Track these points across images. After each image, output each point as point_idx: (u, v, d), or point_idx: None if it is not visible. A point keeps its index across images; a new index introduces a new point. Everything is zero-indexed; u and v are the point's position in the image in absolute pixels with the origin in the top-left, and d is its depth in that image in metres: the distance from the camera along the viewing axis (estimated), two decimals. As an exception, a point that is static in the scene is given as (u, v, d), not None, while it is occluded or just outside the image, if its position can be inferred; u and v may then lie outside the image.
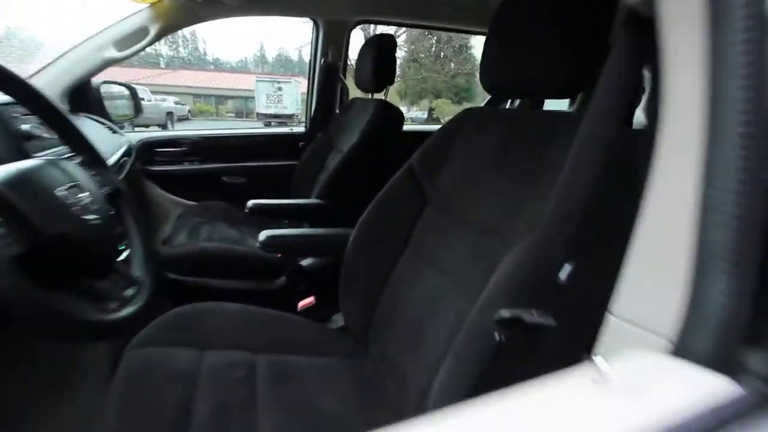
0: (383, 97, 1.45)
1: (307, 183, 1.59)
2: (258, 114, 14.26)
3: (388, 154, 1.36)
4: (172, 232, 1.38)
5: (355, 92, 1.71)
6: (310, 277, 1.20)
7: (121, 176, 1.25)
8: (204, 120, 15.60)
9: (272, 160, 1.85)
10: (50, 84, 1.35)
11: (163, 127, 10.93)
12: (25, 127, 0.75)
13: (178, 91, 15.87)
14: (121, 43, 1.40)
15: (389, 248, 0.89)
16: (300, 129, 1.92)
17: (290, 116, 13.42)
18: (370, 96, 1.51)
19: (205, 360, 0.79)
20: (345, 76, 1.82)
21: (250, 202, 1.22)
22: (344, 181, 1.32)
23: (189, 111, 15.08)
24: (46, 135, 0.84)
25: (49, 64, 1.33)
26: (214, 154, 1.77)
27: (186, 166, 1.72)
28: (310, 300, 1.01)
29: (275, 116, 13.84)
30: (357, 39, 1.79)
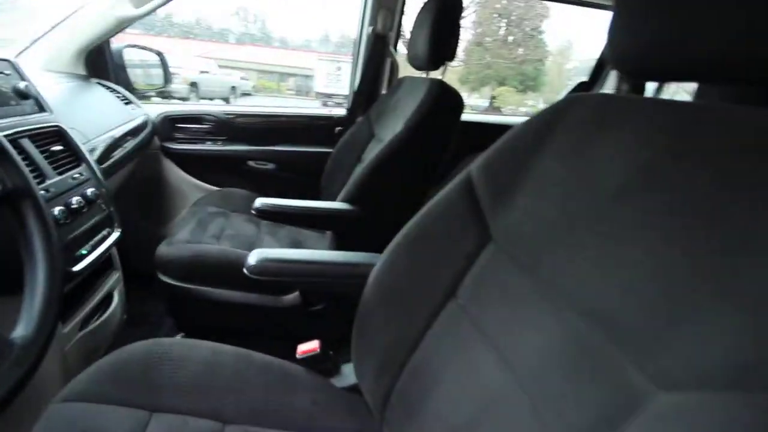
0: (440, 77, 1.13)
1: (340, 179, 1.32)
2: (316, 93, 14.37)
3: (440, 149, 1.05)
4: (177, 225, 1.18)
5: (407, 71, 1.41)
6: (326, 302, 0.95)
7: (118, 155, 1.06)
8: (264, 96, 15.98)
9: (305, 145, 1.60)
10: (59, 48, 1.19)
11: (226, 100, 11.28)
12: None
13: (244, 66, 16.32)
14: (139, -2, 1.20)
15: (427, 294, 0.60)
16: (340, 111, 1.65)
17: (347, 96, 13.38)
18: (424, 75, 1.20)
19: (153, 427, 0.56)
20: (396, 50, 1.52)
21: (258, 201, 0.98)
22: (380, 183, 1.03)
23: (252, 86, 15.49)
24: None
25: (54, 27, 1.16)
26: (241, 135, 1.56)
27: (208, 147, 1.53)
28: (312, 346, 0.75)
29: (333, 95, 13.88)
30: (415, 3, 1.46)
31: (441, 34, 1.04)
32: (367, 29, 1.45)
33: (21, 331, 0.39)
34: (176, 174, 1.51)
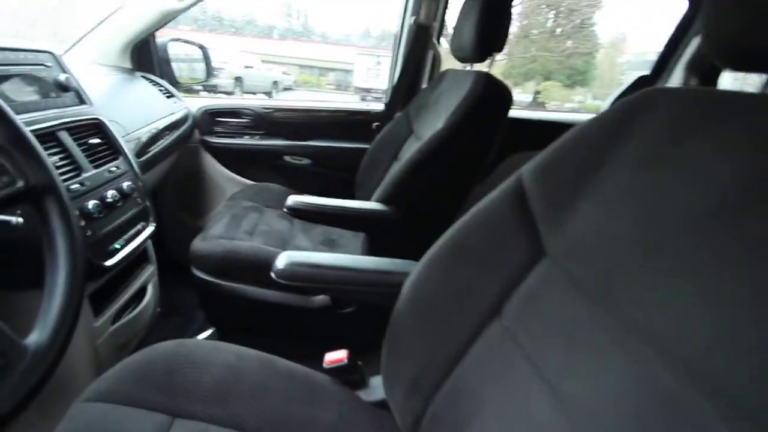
0: (486, 70, 1.04)
1: (376, 176, 1.27)
2: (355, 87, 14.44)
3: (485, 148, 0.98)
4: (212, 219, 1.18)
5: (448, 64, 1.33)
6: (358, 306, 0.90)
7: (157, 148, 1.07)
8: (305, 90, 16.27)
9: (342, 141, 1.57)
10: (106, 42, 1.22)
11: (268, 94, 11.58)
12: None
13: (286, 61, 16.70)
14: (182, -8, 1.20)
15: (467, 312, 0.54)
16: (378, 106, 1.59)
17: (386, 91, 13.35)
18: (468, 67, 1.12)
19: (175, 432, 0.54)
20: (439, 42, 1.44)
21: (291, 199, 0.94)
22: (417, 183, 0.97)
23: (293, 81, 15.82)
24: (12, 97, 0.64)
25: (102, 21, 1.18)
26: (278, 130, 1.54)
27: (246, 141, 1.52)
28: (340, 356, 0.70)
29: (371, 90, 13.88)
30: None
31: (490, 23, 0.96)
32: (409, 20, 1.38)
33: (36, 336, 0.38)
34: (214, 167, 1.52)
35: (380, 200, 0.98)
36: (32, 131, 0.64)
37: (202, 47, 1.59)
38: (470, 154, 0.96)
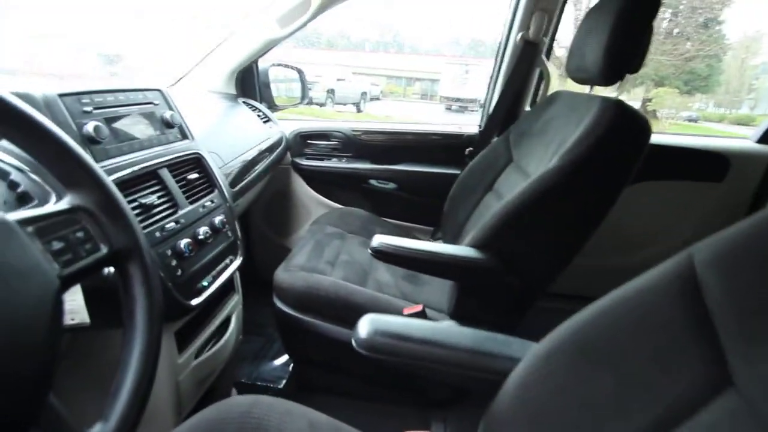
0: (615, 94, 0.86)
1: (465, 207, 1.15)
2: (441, 96, 14.34)
3: (612, 191, 0.80)
4: (296, 245, 1.17)
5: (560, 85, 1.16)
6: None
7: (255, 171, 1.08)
8: (391, 100, 16.64)
9: (430, 165, 1.47)
10: (214, 70, 1.29)
11: (357, 105, 12.06)
12: (89, 128, 0.57)
13: (375, 72, 17.29)
14: (284, 18, 1.22)
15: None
16: (471, 129, 1.47)
17: (472, 100, 13.11)
18: (587, 90, 0.95)
19: None
20: (548, 59, 1.27)
21: (376, 240, 0.86)
22: (523, 229, 0.83)
23: (381, 91, 16.29)
24: (121, 136, 0.66)
25: (211, 52, 1.25)
26: (365, 152, 1.51)
27: (333, 164, 1.51)
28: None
29: (457, 99, 13.67)
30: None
31: (624, 40, 0.79)
32: (515, 36, 1.24)
33: (99, 428, 0.34)
34: (303, 189, 1.53)
35: (476, 245, 0.86)
36: (135, 171, 0.66)
37: (299, 71, 1.64)
38: (592, 198, 0.79)
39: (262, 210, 1.56)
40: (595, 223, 0.81)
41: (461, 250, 0.85)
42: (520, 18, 1.21)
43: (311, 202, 1.54)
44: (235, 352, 0.96)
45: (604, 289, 0.46)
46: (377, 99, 15.32)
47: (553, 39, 1.27)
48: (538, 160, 0.97)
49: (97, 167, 0.39)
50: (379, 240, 0.86)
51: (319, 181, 1.52)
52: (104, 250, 0.39)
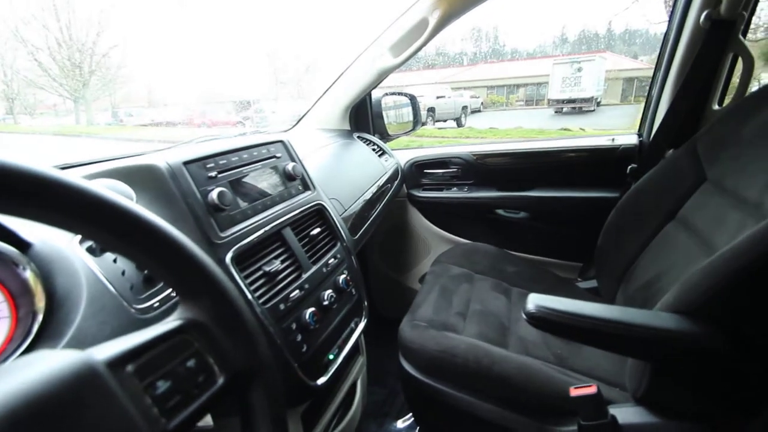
0: None
1: (632, 241, 0.88)
2: (549, 100, 13.21)
3: None
4: (420, 293, 1.03)
5: None
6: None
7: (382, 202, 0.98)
8: (493, 110, 15.97)
9: (572, 188, 1.22)
10: (330, 107, 1.26)
11: (457, 120, 11.83)
12: (213, 195, 0.52)
13: (473, 85, 16.86)
14: (397, 46, 1.13)
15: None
16: (629, 140, 1.17)
17: (588, 99, 11.84)
18: None
19: None
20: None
21: (532, 302, 0.66)
22: (756, 288, 0.55)
23: (482, 103, 15.78)
24: (245, 197, 0.60)
25: (327, 89, 1.22)
26: (489, 178, 1.32)
27: (453, 194, 1.36)
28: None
29: (569, 101, 12.41)
30: None
31: None
32: (695, 15, 0.94)
33: None
34: (420, 222, 1.41)
35: (677, 308, 0.60)
36: (261, 234, 0.60)
37: (411, 97, 1.55)
38: None
39: (379, 246, 1.48)
40: None
41: (661, 319, 0.60)
42: (703, -9, 0.91)
43: (430, 236, 1.41)
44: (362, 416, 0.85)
45: None
46: (478, 111, 14.83)
47: (752, 13, 0.93)
48: (763, 180, 0.68)
49: (219, 271, 0.30)
50: (537, 303, 0.65)
51: (439, 212, 1.38)
52: (221, 380, 0.29)
